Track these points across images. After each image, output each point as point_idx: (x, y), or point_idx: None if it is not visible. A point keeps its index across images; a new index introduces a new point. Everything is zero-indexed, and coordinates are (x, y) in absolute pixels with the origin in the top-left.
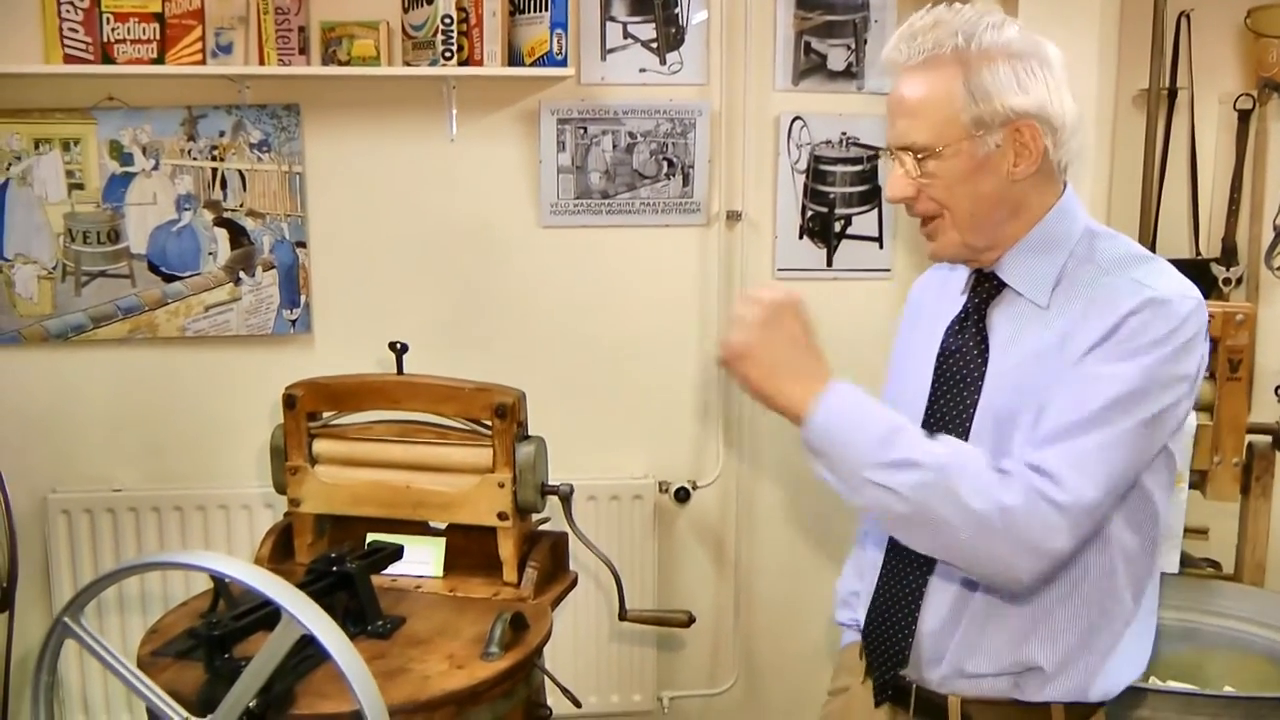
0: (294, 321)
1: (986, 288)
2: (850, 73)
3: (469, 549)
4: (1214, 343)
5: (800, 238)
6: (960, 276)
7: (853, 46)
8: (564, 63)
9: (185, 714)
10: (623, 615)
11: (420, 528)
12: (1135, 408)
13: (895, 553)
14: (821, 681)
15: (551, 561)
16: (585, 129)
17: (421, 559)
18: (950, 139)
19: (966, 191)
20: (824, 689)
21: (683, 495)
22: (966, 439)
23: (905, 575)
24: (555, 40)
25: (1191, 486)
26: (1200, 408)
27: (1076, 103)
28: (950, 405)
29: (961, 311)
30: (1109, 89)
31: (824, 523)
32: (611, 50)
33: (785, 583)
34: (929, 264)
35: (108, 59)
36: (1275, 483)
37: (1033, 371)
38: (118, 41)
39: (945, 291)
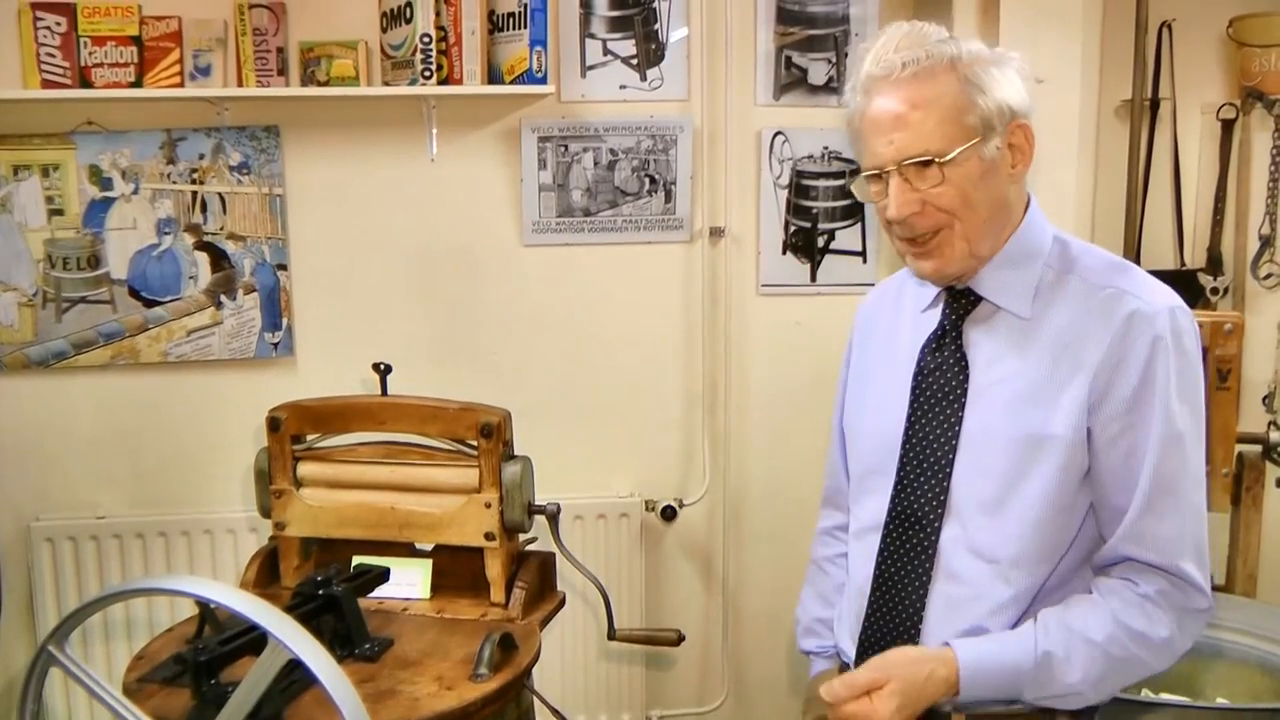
0: (276, 344)
1: (962, 304)
2: (832, 87)
3: (456, 570)
4: (1203, 353)
5: (784, 253)
6: (913, 295)
7: (834, 60)
8: (544, 80)
9: None
10: (612, 635)
11: (407, 549)
12: (1198, 445)
13: (886, 580)
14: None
15: (539, 581)
16: (566, 146)
17: (408, 580)
18: (960, 142)
19: (980, 197)
20: None
21: (669, 513)
22: (954, 455)
23: (900, 599)
24: (535, 58)
25: None
26: None
27: (1057, 114)
28: (932, 424)
29: (938, 330)
30: (1091, 100)
31: (811, 538)
32: (591, 67)
33: (773, 599)
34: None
35: (86, 83)
36: (1266, 493)
37: (1028, 386)
38: (95, 65)
39: (899, 310)
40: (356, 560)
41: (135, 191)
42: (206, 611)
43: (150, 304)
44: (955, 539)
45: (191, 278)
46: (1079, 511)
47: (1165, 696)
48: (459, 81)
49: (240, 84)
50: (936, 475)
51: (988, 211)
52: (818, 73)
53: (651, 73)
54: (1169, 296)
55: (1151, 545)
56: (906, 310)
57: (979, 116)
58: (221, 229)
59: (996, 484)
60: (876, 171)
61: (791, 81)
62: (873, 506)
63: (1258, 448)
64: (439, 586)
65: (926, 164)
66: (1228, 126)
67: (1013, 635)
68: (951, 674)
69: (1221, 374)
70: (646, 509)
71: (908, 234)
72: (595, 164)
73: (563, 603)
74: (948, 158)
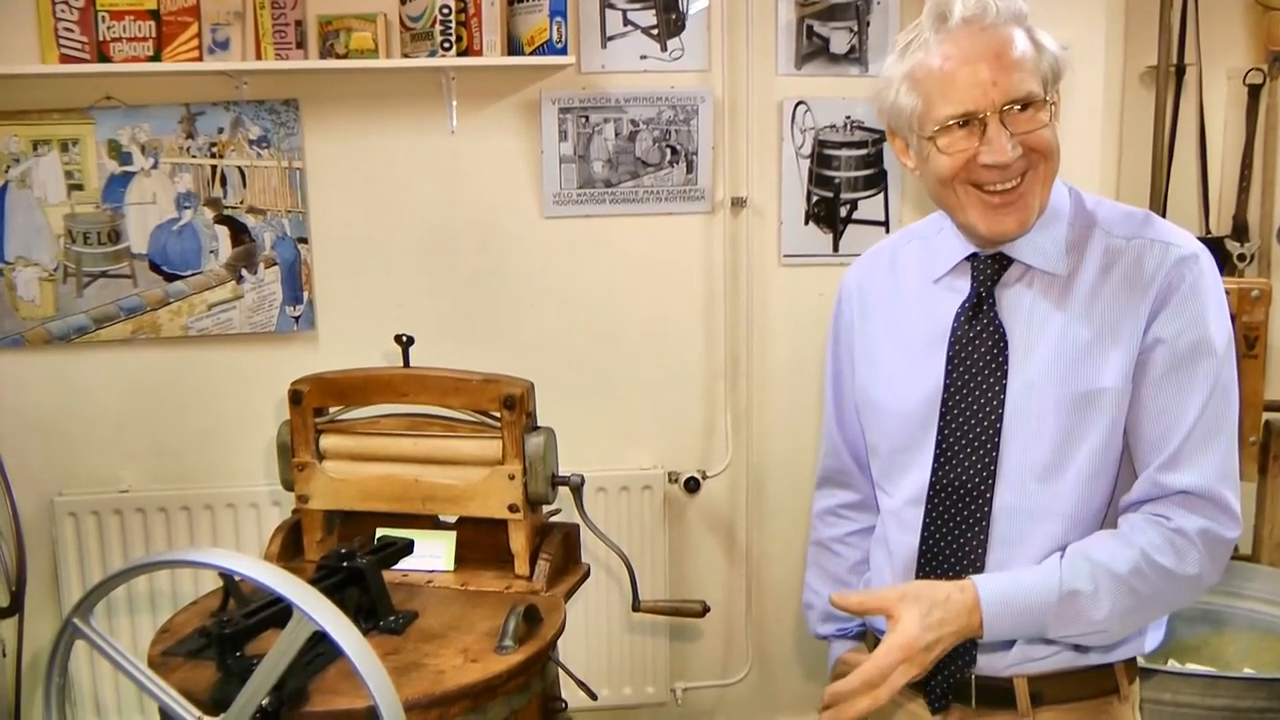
0: (297, 318)
1: (992, 269)
2: (853, 56)
3: (479, 542)
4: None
5: (806, 223)
6: (914, 266)
7: (855, 29)
8: (564, 51)
9: (198, 713)
10: (636, 606)
11: (430, 522)
12: (1225, 369)
13: (935, 552)
14: None
15: (563, 554)
16: (587, 118)
17: (432, 553)
18: (1045, 89)
19: (1057, 146)
20: None
21: (692, 485)
22: (1000, 422)
23: (954, 569)
24: (555, 28)
25: None
26: None
27: (1082, 80)
28: (974, 393)
29: (970, 298)
30: (1116, 66)
31: None
32: (612, 38)
33: (797, 571)
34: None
35: (104, 58)
36: None
37: (1075, 344)
38: (114, 40)
39: (896, 281)
40: (380, 533)
41: (154, 166)
42: (231, 584)
43: (171, 278)
44: (1009, 506)
45: (212, 252)
46: (1124, 463)
47: (1191, 667)
48: (478, 53)
49: (259, 57)
50: (985, 444)
51: (1057, 162)
52: (839, 42)
53: (672, 43)
54: (1193, 240)
55: (1192, 471)
56: (908, 282)
57: (1050, 67)
58: (241, 203)
59: (1050, 446)
60: (965, 118)
61: (813, 51)
62: (909, 482)
63: None
64: (463, 559)
65: (1024, 107)
66: (1254, 92)
67: (1035, 570)
68: (970, 598)
69: (1249, 341)
70: (669, 481)
71: (1005, 181)
72: (616, 135)
73: (587, 575)
74: (1043, 101)
